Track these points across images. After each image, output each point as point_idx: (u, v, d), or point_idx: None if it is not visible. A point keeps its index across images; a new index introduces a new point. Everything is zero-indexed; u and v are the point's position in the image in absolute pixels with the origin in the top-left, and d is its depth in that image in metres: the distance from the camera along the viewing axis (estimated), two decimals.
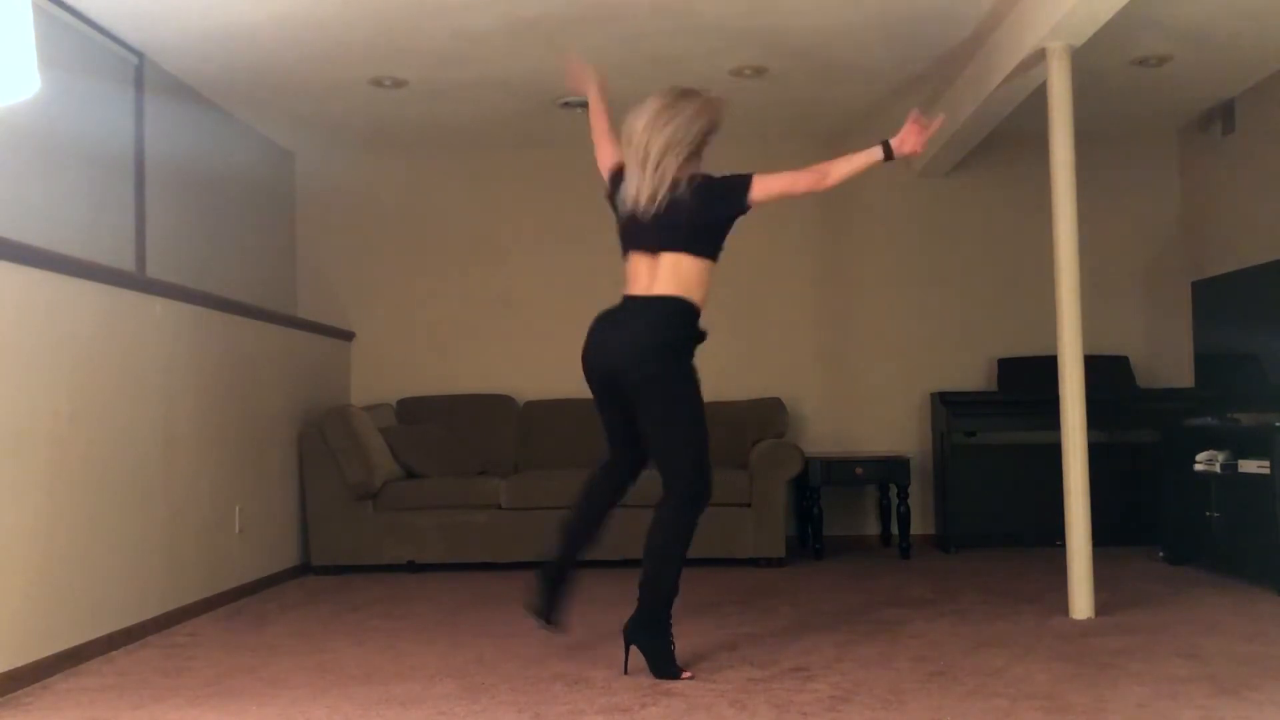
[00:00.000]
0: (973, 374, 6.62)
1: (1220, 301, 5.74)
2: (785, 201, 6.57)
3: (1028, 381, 6.26)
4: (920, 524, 6.43)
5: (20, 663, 3.38)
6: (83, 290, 3.82)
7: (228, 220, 5.81)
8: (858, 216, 6.69)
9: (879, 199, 6.68)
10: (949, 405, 6.17)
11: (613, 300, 3.50)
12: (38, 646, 3.48)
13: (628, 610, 3.82)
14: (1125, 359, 6.38)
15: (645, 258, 3.41)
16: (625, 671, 3.37)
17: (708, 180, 3.41)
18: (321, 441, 5.69)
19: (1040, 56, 4.42)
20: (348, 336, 6.67)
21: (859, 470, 5.96)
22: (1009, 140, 6.31)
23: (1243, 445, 4.89)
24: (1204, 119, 6.29)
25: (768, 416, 6.28)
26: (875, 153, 3.43)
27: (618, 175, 3.53)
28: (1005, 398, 6.22)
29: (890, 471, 5.97)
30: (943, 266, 6.67)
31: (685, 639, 3.84)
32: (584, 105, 5.78)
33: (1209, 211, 6.36)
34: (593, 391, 3.50)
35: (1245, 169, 5.93)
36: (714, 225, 3.41)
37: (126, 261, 4.70)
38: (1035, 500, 5.78)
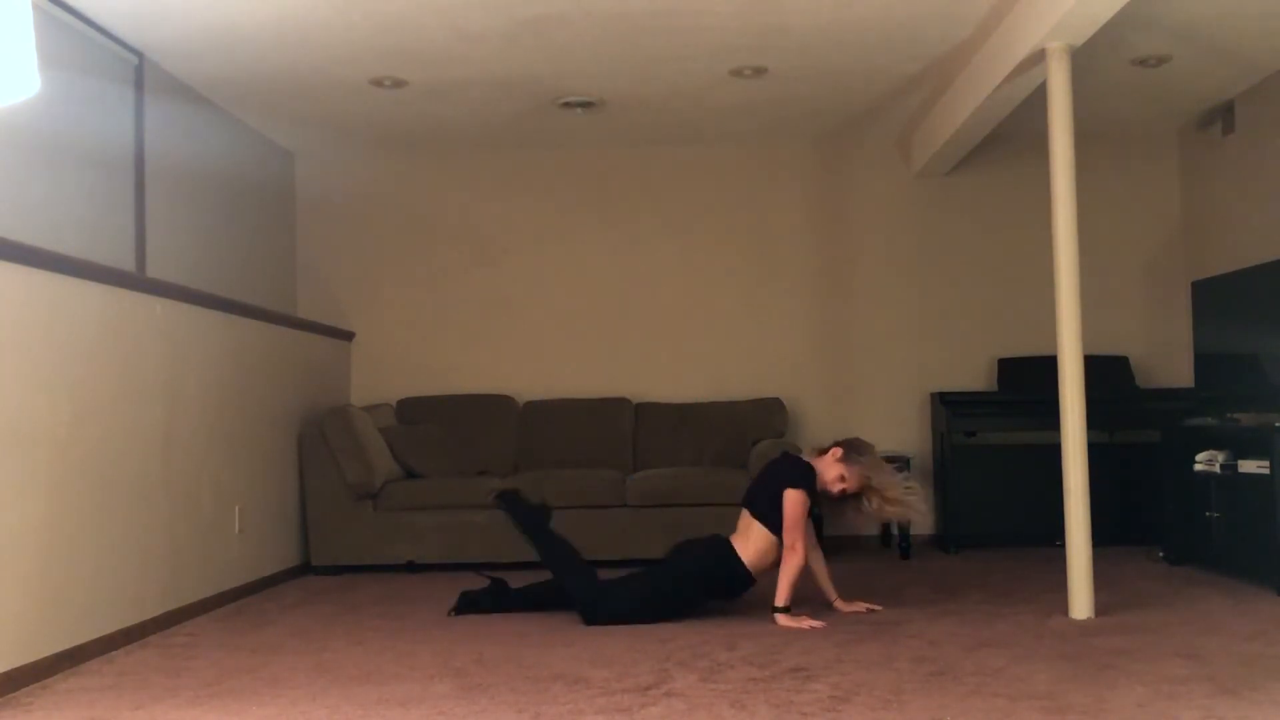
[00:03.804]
0: (973, 374, 6.61)
1: (1220, 301, 5.74)
2: (783, 201, 6.64)
3: (1028, 381, 6.26)
4: (920, 524, 6.43)
5: (20, 663, 3.38)
6: (83, 290, 3.82)
7: (228, 220, 5.81)
8: (857, 217, 6.69)
9: (879, 199, 6.68)
10: (949, 405, 6.17)
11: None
12: (38, 646, 3.48)
13: None
14: (1125, 359, 6.38)
15: None
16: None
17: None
18: (321, 441, 5.69)
19: (1040, 56, 4.42)
20: (348, 336, 6.67)
21: None
22: (1009, 140, 6.31)
23: (1243, 445, 4.89)
24: (1204, 119, 6.28)
25: (768, 416, 6.28)
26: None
27: None
28: (1005, 398, 6.22)
29: None
30: (943, 266, 6.67)
31: (686, 638, 3.85)
32: (584, 105, 5.82)
33: (1209, 211, 6.36)
34: None
35: (1245, 169, 5.93)
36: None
37: (127, 261, 4.70)
38: (1035, 500, 5.77)
